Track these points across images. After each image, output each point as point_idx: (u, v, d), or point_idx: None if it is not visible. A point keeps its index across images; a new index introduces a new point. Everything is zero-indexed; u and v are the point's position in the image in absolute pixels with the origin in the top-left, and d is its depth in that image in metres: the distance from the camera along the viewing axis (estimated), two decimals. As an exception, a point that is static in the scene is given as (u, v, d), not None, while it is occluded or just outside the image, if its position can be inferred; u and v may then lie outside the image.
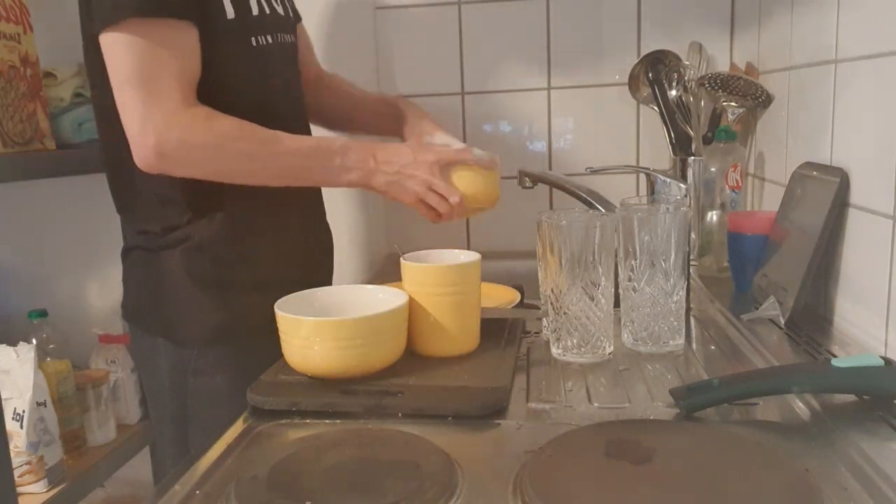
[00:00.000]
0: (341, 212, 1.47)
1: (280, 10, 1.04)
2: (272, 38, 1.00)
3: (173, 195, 0.97)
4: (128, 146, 0.91)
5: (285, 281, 0.94)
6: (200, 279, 0.98)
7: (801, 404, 0.69)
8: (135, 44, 0.86)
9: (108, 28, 0.87)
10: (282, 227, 1.04)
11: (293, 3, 1.14)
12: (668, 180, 1.21)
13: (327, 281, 1.16)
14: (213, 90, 0.92)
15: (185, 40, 0.89)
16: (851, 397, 0.68)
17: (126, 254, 1.07)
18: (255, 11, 0.97)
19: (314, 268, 1.13)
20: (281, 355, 0.80)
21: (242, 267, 1.00)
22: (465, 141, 1.49)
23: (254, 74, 0.98)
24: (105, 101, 0.93)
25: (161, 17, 0.87)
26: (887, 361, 0.66)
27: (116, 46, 0.87)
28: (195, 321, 0.99)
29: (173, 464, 1.03)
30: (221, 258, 0.99)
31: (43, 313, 1.49)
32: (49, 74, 1.41)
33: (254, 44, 0.97)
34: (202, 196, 0.96)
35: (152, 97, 0.87)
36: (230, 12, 0.93)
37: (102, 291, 1.65)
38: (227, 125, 0.91)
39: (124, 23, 0.86)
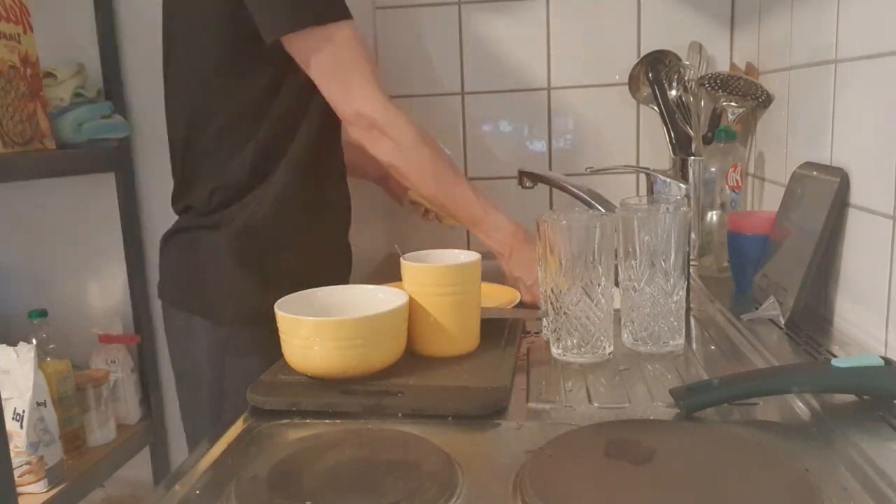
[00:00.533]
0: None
1: None
2: None
3: (227, 177, 1.03)
4: (198, 124, 1.02)
5: (321, 271, 1.02)
6: (244, 260, 1.03)
7: (801, 404, 0.69)
8: (336, 40, 0.98)
9: (292, 31, 0.96)
10: (323, 220, 1.11)
11: None
12: (668, 180, 1.21)
13: (346, 276, 1.23)
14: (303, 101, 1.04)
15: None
16: (851, 397, 0.68)
17: (168, 238, 1.11)
18: None
19: (341, 266, 1.20)
20: None
21: (285, 252, 1.05)
22: (464, 140, 1.50)
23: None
24: (185, 76, 1.04)
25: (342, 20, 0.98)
26: (887, 361, 0.66)
27: (315, 44, 0.97)
28: (235, 300, 1.03)
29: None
30: (266, 242, 1.04)
31: (43, 313, 1.49)
32: (49, 74, 1.41)
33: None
34: (254, 180, 1.03)
35: (368, 80, 0.99)
36: None
37: (102, 291, 1.65)
38: (423, 131, 1.04)
39: (323, 28, 0.97)
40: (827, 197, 0.88)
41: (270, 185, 1.04)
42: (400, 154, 1.02)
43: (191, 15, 1.02)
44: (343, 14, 0.99)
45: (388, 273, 1.35)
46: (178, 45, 1.06)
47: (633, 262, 0.85)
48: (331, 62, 0.99)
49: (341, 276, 1.19)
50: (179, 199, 1.11)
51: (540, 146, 1.50)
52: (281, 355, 0.80)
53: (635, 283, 0.85)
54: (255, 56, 0.99)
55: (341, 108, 1.01)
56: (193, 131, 1.05)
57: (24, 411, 1.23)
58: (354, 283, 1.27)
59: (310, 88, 1.01)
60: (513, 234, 1.06)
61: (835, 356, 0.78)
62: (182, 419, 1.14)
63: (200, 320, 1.04)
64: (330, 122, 1.06)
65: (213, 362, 1.04)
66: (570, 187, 1.08)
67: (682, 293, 0.85)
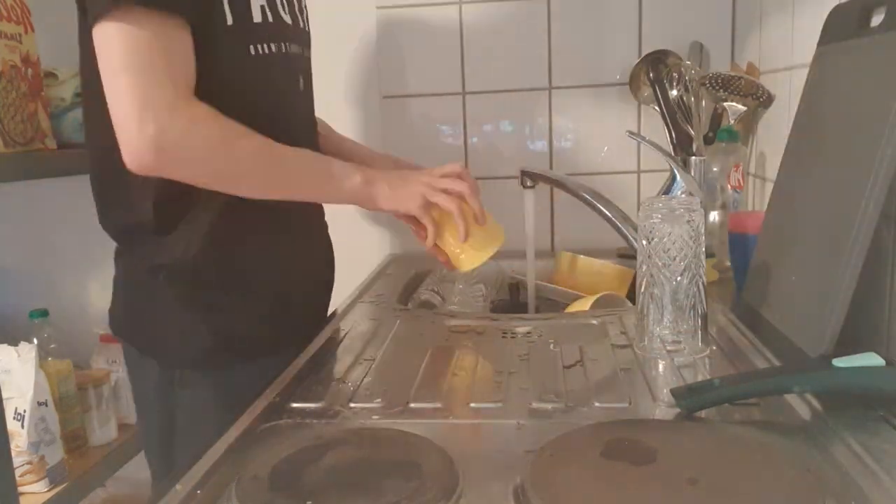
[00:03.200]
0: (343, 211, 1.47)
1: (287, 19, 0.99)
2: (274, 48, 0.96)
3: (155, 217, 0.93)
4: (118, 153, 0.85)
5: (277, 303, 0.96)
6: (185, 302, 0.95)
7: (802, 404, 0.69)
8: (133, 32, 0.82)
9: (103, 18, 0.82)
10: (274, 246, 0.99)
11: (306, 15, 1.09)
12: (679, 181, 1.19)
13: (325, 298, 1.13)
14: (211, 100, 0.88)
15: (181, 39, 0.86)
16: (852, 397, 0.68)
17: (116, 258, 1.02)
18: (258, 19, 0.93)
19: (312, 285, 1.09)
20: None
21: (229, 290, 0.96)
22: (465, 140, 1.50)
23: (252, 84, 0.94)
24: (97, 103, 0.87)
25: (157, 8, 0.82)
26: (888, 361, 0.66)
27: (113, 35, 0.82)
28: (181, 344, 0.96)
29: (158, 478, 1.00)
30: (206, 281, 0.95)
31: (44, 313, 1.49)
32: (50, 74, 1.41)
33: (252, 52, 0.93)
34: (186, 216, 0.93)
35: (153, 85, 0.82)
36: (229, 18, 0.90)
37: (103, 291, 1.63)
38: (233, 123, 0.87)
39: (119, 12, 0.81)
40: (828, 197, 0.88)
41: (194, 218, 0.92)
42: (205, 165, 0.87)
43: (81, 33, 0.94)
44: None
45: (390, 272, 1.35)
46: (88, 74, 0.93)
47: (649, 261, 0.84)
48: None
49: (316, 296, 1.10)
50: (114, 234, 1.01)
51: (541, 146, 1.50)
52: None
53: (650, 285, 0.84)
54: None
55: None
56: (112, 168, 0.91)
57: (25, 411, 1.23)
58: (354, 283, 1.27)
59: (231, 106, 0.88)
60: (363, 172, 0.94)
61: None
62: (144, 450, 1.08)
63: (149, 359, 0.98)
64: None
65: (162, 398, 0.97)
66: (571, 187, 1.08)
67: (696, 294, 0.84)
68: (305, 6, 1.07)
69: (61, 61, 1.44)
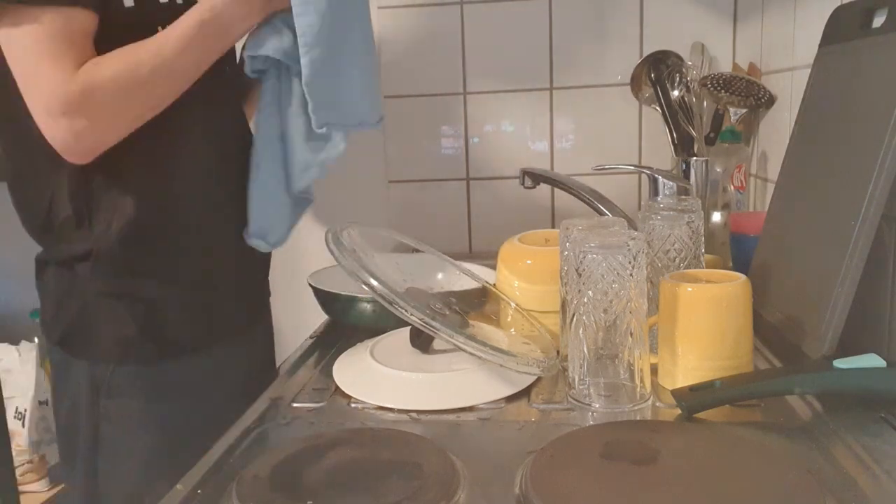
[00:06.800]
0: (343, 206, 1.48)
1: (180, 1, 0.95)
2: None
3: (73, 207, 0.90)
4: (29, 156, 0.86)
5: (206, 293, 0.93)
6: (109, 293, 0.91)
7: (802, 405, 0.69)
8: (30, 24, 0.79)
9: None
10: (201, 233, 0.95)
11: None
12: (673, 183, 1.19)
13: (259, 289, 1.09)
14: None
15: (78, 26, 0.82)
16: (853, 398, 0.68)
17: (41, 267, 1.00)
18: None
19: (245, 275, 1.03)
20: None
21: (151, 278, 0.92)
22: (465, 140, 1.50)
23: None
24: (5, 105, 0.85)
25: (55, 5, 0.79)
26: (889, 363, 0.65)
27: (7, 36, 0.80)
28: (107, 337, 0.91)
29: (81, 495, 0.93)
30: (129, 270, 0.91)
31: (45, 312, 1.49)
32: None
33: (160, 31, 0.87)
34: (104, 204, 0.89)
35: (51, 66, 0.80)
36: (128, 0, 0.86)
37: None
38: (118, 56, 0.83)
39: (12, 8, 0.79)
40: (829, 198, 0.88)
41: (112, 206, 0.89)
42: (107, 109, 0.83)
43: None
44: None
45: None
46: None
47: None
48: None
49: (248, 286, 1.05)
50: (37, 239, 0.98)
51: (542, 146, 1.50)
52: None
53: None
54: None
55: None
56: (22, 171, 0.93)
57: (25, 410, 1.23)
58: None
59: None
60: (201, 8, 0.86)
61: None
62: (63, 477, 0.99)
63: (79, 363, 0.92)
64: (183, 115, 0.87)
65: (88, 406, 0.91)
66: (572, 187, 1.08)
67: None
68: None
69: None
